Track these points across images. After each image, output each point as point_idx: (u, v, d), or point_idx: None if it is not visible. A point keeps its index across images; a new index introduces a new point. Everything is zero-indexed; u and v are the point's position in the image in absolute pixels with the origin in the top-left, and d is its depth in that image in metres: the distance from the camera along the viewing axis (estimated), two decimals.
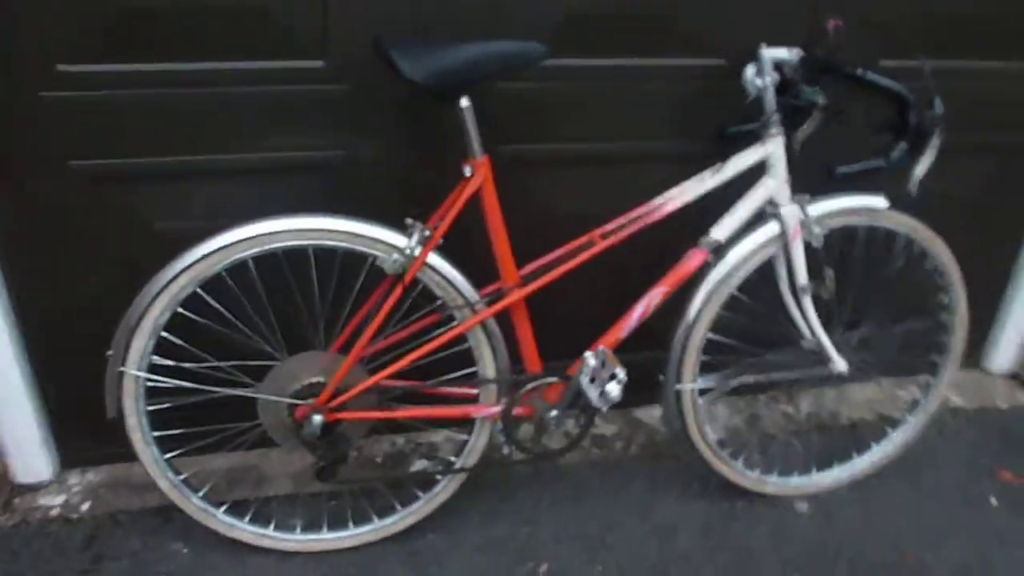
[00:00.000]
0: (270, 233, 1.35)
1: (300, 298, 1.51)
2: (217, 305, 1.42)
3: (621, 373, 1.41)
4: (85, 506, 1.70)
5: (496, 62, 1.32)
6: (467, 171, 1.38)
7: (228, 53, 1.45)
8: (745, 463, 1.80)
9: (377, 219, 1.38)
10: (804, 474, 1.85)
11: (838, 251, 1.63)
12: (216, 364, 1.48)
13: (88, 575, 1.54)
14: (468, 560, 1.62)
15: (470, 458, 1.61)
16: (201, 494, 1.55)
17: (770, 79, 1.46)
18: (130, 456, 1.54)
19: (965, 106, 1.52)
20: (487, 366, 1.52)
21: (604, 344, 1.54)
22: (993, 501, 1.89)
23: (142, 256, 1.41)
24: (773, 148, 1.50)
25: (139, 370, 1.39)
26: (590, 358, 1.50)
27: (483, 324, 1.47)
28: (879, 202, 1.59)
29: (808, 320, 1.65)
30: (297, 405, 1.44)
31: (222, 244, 1.34)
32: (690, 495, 1.84)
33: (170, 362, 1.43)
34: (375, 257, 1.40)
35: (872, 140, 1.43)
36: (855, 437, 1.99)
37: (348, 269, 1.47)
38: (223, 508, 1.57)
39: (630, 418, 2.07)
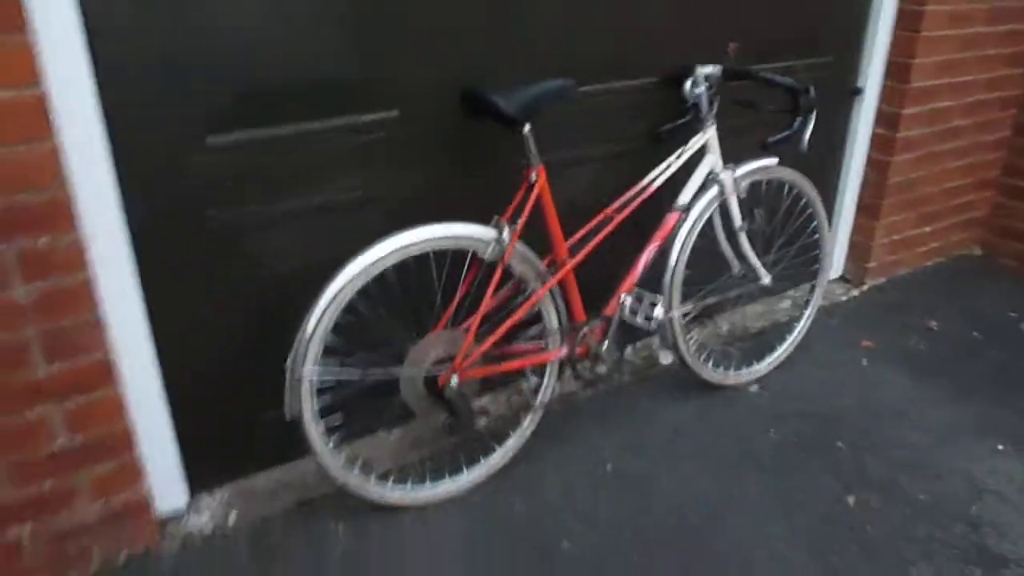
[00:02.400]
0: (406, 245, 1.77)
1: (419, 292, 1.93)
2: (363, 309, 1.81)
3: (659, 299, 2.01)
4: (232, 519, 1.96)
5: (554, 95, 1.86)
6: (533, 177, 1.90)
7: (324, 113, 1.85)
8: (713, 366, 2.47)
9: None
10: (748, 366, 2.56)
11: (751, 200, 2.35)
12: (367, 355, 1.86)
13: (270, 562, 1.84)
14: (556, 475, 2.12)
15: (545, 396, 2.12)
16: (357, 469, 1.90)
17: (704, 87, 2.14)
18: (249, 472, 1.98)
19: None
20: (552, 320, 2.04)
21: (624, 288, 2.13)
22: (864, 362, 2.72)
23: (265, 290, 1.77)
24: (711, 134, 2.18)
25: (313, 373, 1.75)
26: (626, 299, 2.08)
27: (551, 288, 1.99)
28: (774, 161, 2.32)
29: (743, 251, 2.35)
30: (438, 374, 1.86)
31: (375, 259, 1.74)
32: (679, 400, 2.47)
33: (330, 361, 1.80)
34: (475, 250, 1.87)
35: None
36: (766, 338, 2.75)
37: (450, 263, 1.93)
38: (373, 478, 1.94)
39: (622, 362, 2.67)
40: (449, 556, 1.86)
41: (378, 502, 1.94)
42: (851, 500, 2.06)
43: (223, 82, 1.70)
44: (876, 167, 2.95)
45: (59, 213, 1.49)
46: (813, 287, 2.67)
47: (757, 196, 2.38)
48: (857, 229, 3.11)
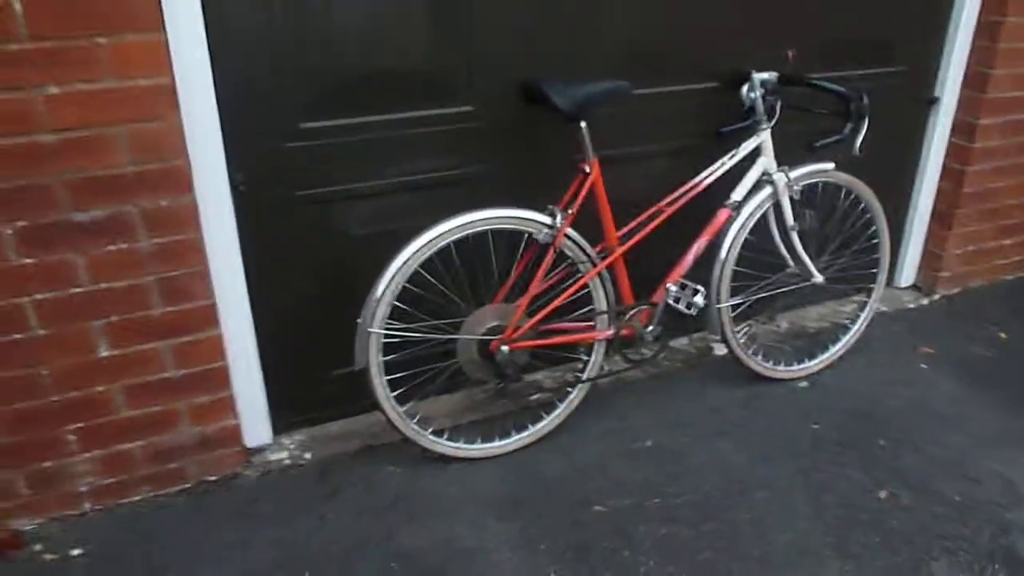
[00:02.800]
0: (466, 223, 1.99)
1: (478, 268, 2.15)
2: (429, 278, 2.05)
3: (702, 289, 2.15)
4: (307, 455, 2.25)
5: (607, 94, 2.04)
6: (587, 168, 2.08)
7: (404, 105, 2.09)
8: (763, 359, 2.57)
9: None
10: (799, 362, 2.64)
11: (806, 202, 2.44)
12: (430, 322, 2.09)
13: (335, 496, 2.10)
14: (596, 444, 2.30)
15: (591, 371, 2.30)
16: (415, 421, 2.14)
17: (759, 92, 2.25)
18: (324, 419, 2.25)
19: None
20: (601, 302, 2.22)
21: (672, 278, 2.28)
22: (921, 367, 2.75)
23: (345, 258, 2.03)
24: (765, 137, 2.29)
25: (381, 329, 1.99)
26: (672, 287, 2.23)
27: (600, 272, 2.17)
28: (829, 165, 2.40)
29: (795, 249, 2.44)
30: (490, 341, 2.08)
31: (438, 233, 1.97)
32: (727, 387, 2.59)
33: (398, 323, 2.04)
34: (531, 233, 2.07)
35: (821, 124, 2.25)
36: (821, 338, 2.82)
37: (504, 244, 2.14)
38: (428, 431, 2.17)
39: (666, 346, 2.81)
40: (488, 503, 2.07)
41: (430, 451, 2.17)
42: (882, 494, 2.13)
43: (319, 77, 1.98)
44: (951, 176, 2.95)
45: (178, 179, 1.80)
46: (871, 290, 2.72)
47: (814, 198, 2.47)
48: (930, 238, 3.11)
